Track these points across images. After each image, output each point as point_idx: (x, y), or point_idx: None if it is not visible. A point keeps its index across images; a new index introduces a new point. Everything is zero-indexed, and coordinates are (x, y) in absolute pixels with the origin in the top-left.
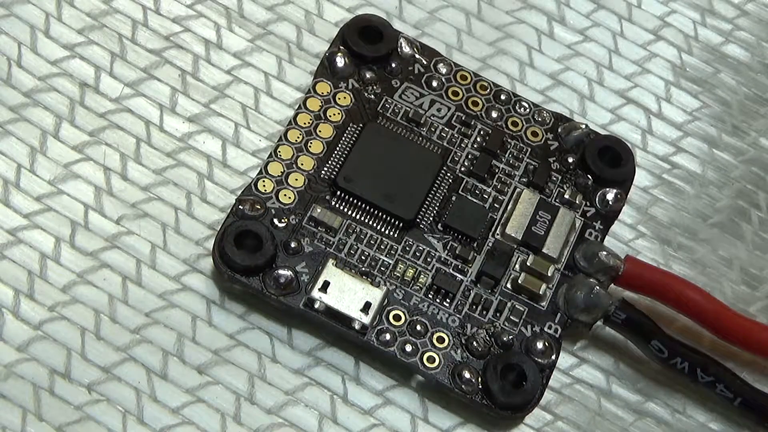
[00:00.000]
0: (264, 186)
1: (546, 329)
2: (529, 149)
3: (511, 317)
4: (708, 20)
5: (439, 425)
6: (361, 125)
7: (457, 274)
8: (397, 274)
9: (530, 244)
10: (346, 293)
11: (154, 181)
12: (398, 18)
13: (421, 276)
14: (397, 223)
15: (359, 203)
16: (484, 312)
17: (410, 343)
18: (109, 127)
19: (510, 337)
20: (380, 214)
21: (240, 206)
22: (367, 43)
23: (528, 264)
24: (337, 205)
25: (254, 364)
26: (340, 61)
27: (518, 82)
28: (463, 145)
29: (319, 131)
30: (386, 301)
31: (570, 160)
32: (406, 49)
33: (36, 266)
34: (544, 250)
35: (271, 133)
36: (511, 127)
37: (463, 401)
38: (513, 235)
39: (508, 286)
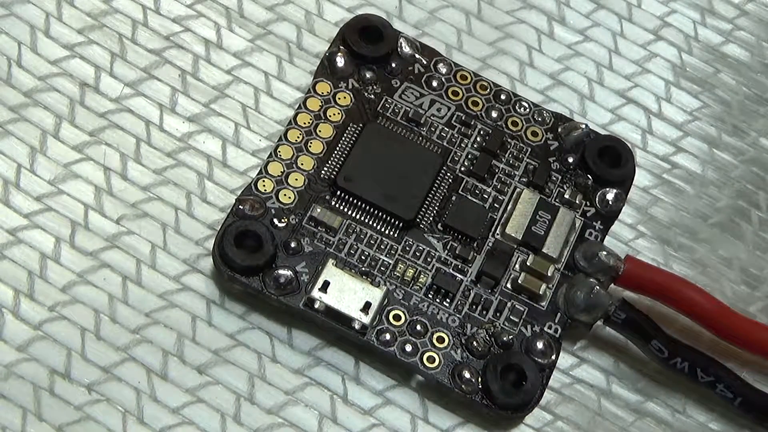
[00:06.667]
0: (264, 186)
1: (546, 329)
2: (529, 149)
3: (511, 317)
4: (708, 20)
5: (439, 425)
6: (361, 125)
7: (457, 274)
8: (397, 274)
9: (530, 244)
10: (346, 293)
11: (154, 181)
12: (398, 18)
13: (421, 276)
14: (397, 223)
15: (359, 203)
16: (484, 312)
17: (410, 343)
18: (109, 127)
19: (510, 337)
20: (380, 214)
21: (240, 206)
22: (367, 43)
23: (528, 264)
24: (337, 205)
25: (254, 364)
26: (340, 61)
27: (518, 82)
28: (463, 145)
29: (319, 131)
30: (386, 301)
31: (570, 160)
32: (406, 49)
33: (36, 266)
34: (544, 250)
35: (271, 133)
36: (511, 127)
37: (463, 401)
38: (513, 235)
39: (508, 286)
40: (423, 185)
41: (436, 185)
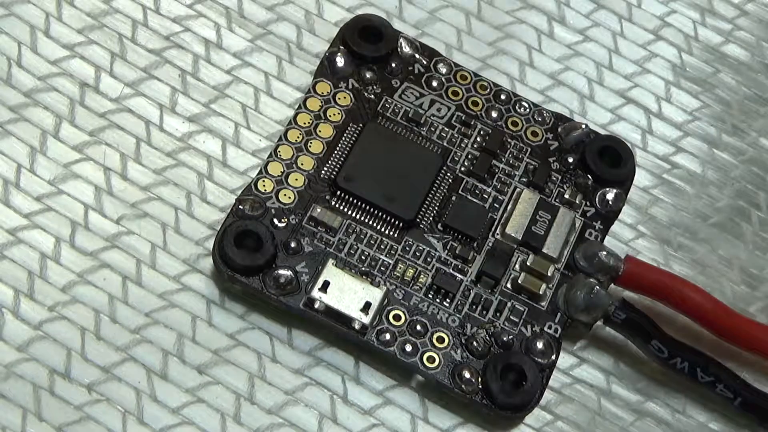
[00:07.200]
0: (264, 186)
1: (546, 329)
2: (529, 149)
3: (511, 317)
4: (708, 20)
5: (439, 425)
6: (361, 125)
7: (457, 274)
8: (397, 274)
9: (530, 244)
10: (346, 293)
11: (154, 181)
12: (398, 18)
13: (421, 276)
14: (397, 223)
15: (359, 203)
16: (484, 312)
17: (410, 343)
18: (109, 127)
19: (510, 337)
20: (380, 214)
21: (240, 206)
22: (367, 43)
23: (528, 264)
24: (337, 205)
25: (254, 364)
26: (340, 61)
27: (518, 82)
28: (463, 145)
29: (319, 131)
30: (386, 301)
31: (570, 160)
32: (406, 49)
33: (36, 266)
34: (544, 250)
35: (271, 133)
36: (511, 127)
37: (463, 401)
38: (513, 235)
39: (508, 286)
40: (423, 185)
41: (436, 185)
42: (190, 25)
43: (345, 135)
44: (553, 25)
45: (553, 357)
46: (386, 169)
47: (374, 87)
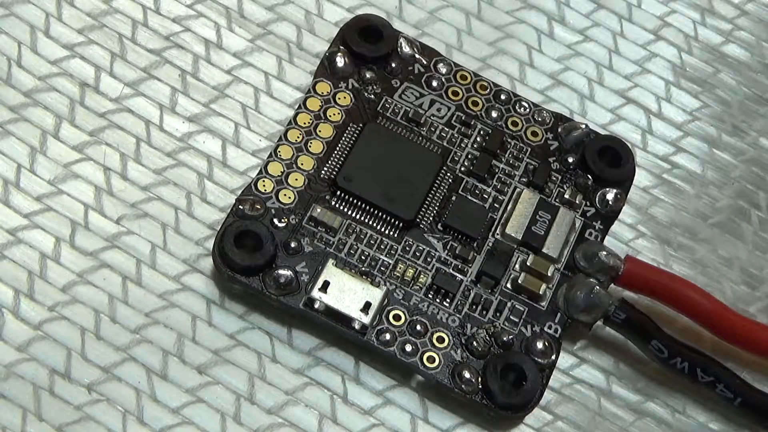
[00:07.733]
0: (264, 186)
1: (546, 329)
2: (529, 149)
3: (511, 317)
4: (708, 20)
5: (439, 425)
6: (361, 125)
7: (457, 274)
8: (397, 274)
9: (530, 244)
10: (346, 293)
11: (154, 181)
12: (398, 18)
13: (421, 276)
14: (397, 223)
15: (359, 203)
16: (484, 312)
17: (410, 343)
18: (109, 127)
19: (510, 337)
20: (380, 214)
21: (240, 206)
22: (367, 43)
23: (528, 264)
24: (337, 205)
25: (254, 364)
26: (340, 61)
27: (518, 82)
28: (463, 145)
29: (319, 131)
30: (386, 300)
31: (570, 160)
32: (406, 49)
33: (36, 266)
34: (544, 250)
35: (271, 133)
36: (511, 127)
37: (463, 401)
38: (513, 235)
39: (508, 286)
40: (423, 185)
41: (436, 185)
42: (190, 25)
43: (345, 135)
44: (553, 25)
45: (553, 357)
46: (386, 169)
47: (374, 87)
